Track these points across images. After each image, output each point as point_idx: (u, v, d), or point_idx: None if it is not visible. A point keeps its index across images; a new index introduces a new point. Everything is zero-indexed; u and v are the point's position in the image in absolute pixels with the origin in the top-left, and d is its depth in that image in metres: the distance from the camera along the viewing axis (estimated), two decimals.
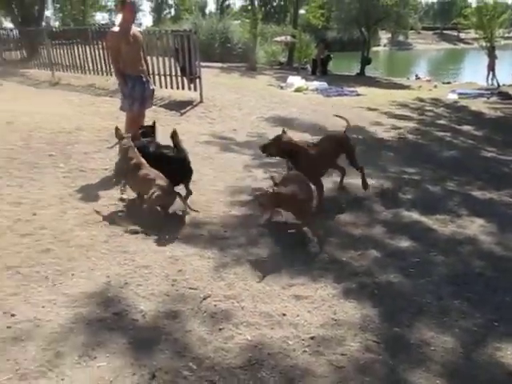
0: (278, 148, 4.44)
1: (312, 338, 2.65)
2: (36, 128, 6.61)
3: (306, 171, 4.26)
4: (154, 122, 5.06)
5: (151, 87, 5.61)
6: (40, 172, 5.08)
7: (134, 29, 5.35)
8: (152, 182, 3.99)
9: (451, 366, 2.49)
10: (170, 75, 9.92)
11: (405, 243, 3.94)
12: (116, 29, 5.22)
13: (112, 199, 4.48)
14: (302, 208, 3.83)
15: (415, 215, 4.54)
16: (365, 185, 4.89)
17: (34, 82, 11.76)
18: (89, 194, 4.60)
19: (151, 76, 9.86)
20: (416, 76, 23.17)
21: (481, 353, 2.62)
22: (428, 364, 2.49)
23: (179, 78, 9.85)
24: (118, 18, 5.59)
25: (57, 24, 37.12)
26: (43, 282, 3.04)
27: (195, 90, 9.70)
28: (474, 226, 4.37)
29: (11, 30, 15.61)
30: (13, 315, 2.67)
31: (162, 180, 4.01)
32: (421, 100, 12.83)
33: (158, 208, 4.09)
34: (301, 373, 2.37)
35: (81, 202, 4.41)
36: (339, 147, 4.84)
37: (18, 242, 3.54)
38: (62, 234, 3.71)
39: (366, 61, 21.24)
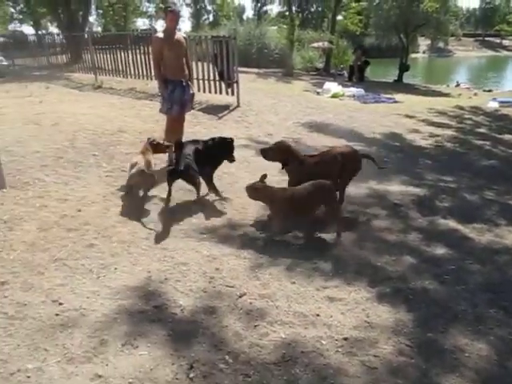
0: (276, 154, 4.54)
1: (345, 338, 2.70)
2: (80, 129, 6.90)
3: (294, 179, 4.44)
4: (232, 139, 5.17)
5: (191, 91, 5.76)
6: (84, 171, 5.32)
7: (179, 34, 5.52)
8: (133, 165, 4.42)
9: (485, 373, 2.49)
10: (209, 80, 10.13)
11: (440, 250, 3.92)
12: (160, 34, 5.42)
13: (152, 198, 4.63)
14: (273, 206, 4.05)
15: (452, 223, 4.50)
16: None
17: (78, 85, 12.20)
18: (131, 193, 4.77)
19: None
20: (457, 83, 22.74)
21: None
22: (461, 370, 2.49)
23: (217, 83, 10.05)
24: (159, 25, 5.82)
25: (99, 29, 38.40)
26: (88, 275, 3.22)
27: (232, 94, 9.87)
28: None
29: (57, 35, 16.25)
30: (60, 304, 2.85)
31: (141, 164, 4.41)
32: (460, 108, 12.57)
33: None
34: (333, 372, 2.42)
35: (122, 200, 4.59)
36: (344, 163, 4.49)
37: (64, 236, 3.74)
38: (105, 230, 3.89)
39: (404, 67, 20.94)
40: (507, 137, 9.20)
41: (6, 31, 31.94)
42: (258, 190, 4.08)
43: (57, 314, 2.74)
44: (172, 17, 5.49)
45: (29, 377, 2.26)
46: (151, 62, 8.65)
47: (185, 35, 5.83)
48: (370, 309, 3.03)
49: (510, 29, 19.45)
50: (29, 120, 7.10)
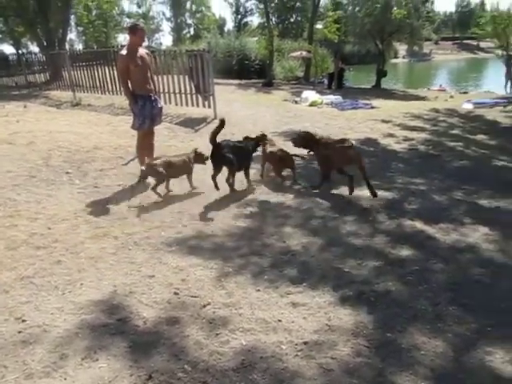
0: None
1: (305, 342, 2.75)
2: (55, 147, 6.93)
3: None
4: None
5: (159, 105, 5.85)
6: (57, 189, 5.35)
7: (142, 50, 5.61)
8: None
9: (439, 369, 2.55)
10: (185, 93, 10.24)
11: (405, 252, 3.99)
12: (124, 52, 5.48)
13: (123, 213, 4.68)
14: None
15: (418, 224, 4.58)
16: None
17: (56, 102, 12.24)
18: (101, 208, 4.82)
19: (165, 94, 10.27)
20: (440, 86, 23.33)
21: (471, 357, 2.66)
22: (416, 368, 2.55)
23: (194, 96, 10.16)
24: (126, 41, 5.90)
25: (80, 46, 38.45)
26: (53, 291, 3.25)
27: (209, 107, 9.97)
28: (477, 234, 4.38)
29: (35, 54, 16.27)
30: (24, 321, 2.88)
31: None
32: (436, 111, 12.79)
33: None
34: (290, 375, 2.47)
35: (93, 216, 4.63)
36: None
37: (32, 254, 3.77)
38: (74, 247, 3.92)
39: (381, 73, 21.32)
40: (479, 137, 9.38)
41: None
42: None
43: (19, 332, 2.76)
44: (142, 34, 5.63)
45: None
46: None
47: (147, 51, 5.90)
48: (332, 312, 3.08)
49: (481, 32, 20.00)
50: (2, 140, 7.10)
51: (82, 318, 2.92)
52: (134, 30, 5.55)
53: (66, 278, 3.43)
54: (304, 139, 5.76)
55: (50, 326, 2.83)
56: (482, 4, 68.54)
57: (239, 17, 63.86)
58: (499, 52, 19.30)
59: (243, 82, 22.23)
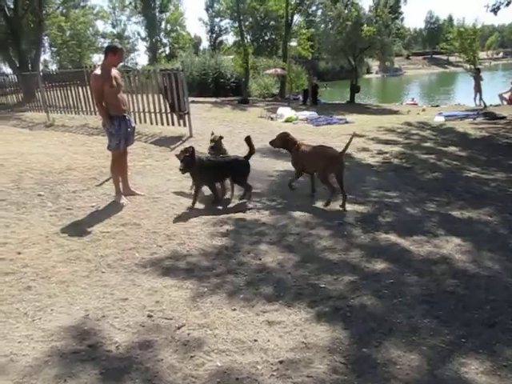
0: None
1: (281, 361, 2.72)
2: (27, 169, 6.79)
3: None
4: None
5: (133, 125, 5.81)
6: (28, 212, 5.22)
7: (114, 71, 5.58)
8: None
9: (414, 383, 2.55)
10: (160, 112, 10.22)
11: (380, 265, 4.02)
12: (98, 72, 5.43)
13: (96, 235, 4.60)
14: None
15: (393, 237, 4.63)
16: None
17: (29, 124, 12.05)
18: (74, 231, 4.73)
19: (140, 113, 10.26)
20: (412, 99, 23.94)
21: (446, 369, 2.67)
22: (392, 382, 2.55)
23: (169, 115, 10.14)
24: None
25: (54, 67, 38.18)
26: (22, 318, 3.15)
27: (185, 125, 9.96)
28: (450, 246, 4.45)
29: (7, 76, 16.05)
30: None
31: None
32: (408, 124, 13.04)
33: None
34: None
35: (66, 239, 4.53)
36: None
37: (0, 280, 3.64)
38: (45, 271, 3.82)
39: (354, 89, 21.74)
40: (451, 149, 9.60)
41: None
42: None
43: None
44: (122, 54, 5.64)
45: None
46: None
47: (118, 71, 5.85)
48: (308, 329, 3.07)
49: (449, 46, 20.84)
50: None
51: (51, 346, 2.83)
52: (115, 51, 5.48)
53: (36, 304, 3.34)
54: None
55: (18, 356, 2.73)
56: (450, 20, 70.84)
57: (214, 35, 64.51)
58: (467, 66, 19.92)
59: (219, 99, 22.34)
